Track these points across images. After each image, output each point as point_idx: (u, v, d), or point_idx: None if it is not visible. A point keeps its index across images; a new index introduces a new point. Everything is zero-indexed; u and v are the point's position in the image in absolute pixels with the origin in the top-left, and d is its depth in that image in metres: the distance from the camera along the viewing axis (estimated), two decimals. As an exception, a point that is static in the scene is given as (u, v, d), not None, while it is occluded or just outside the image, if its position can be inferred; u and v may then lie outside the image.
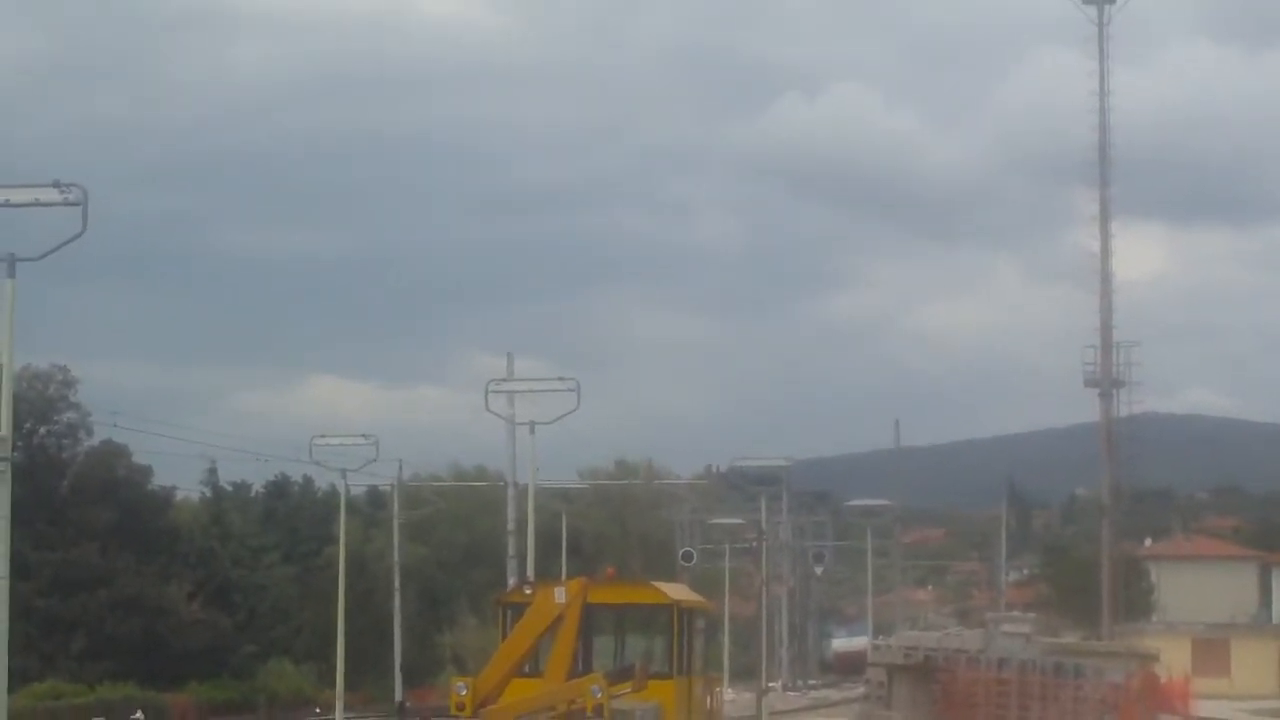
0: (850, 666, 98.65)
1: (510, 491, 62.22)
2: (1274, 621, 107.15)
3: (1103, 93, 66.30)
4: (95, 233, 26.89)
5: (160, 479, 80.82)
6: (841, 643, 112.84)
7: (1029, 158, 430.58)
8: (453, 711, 30.41)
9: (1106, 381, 65.77)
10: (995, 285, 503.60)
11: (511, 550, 60.96)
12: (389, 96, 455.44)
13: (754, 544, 75.41)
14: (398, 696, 70.00)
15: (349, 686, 64.83)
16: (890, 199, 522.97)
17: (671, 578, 55.45)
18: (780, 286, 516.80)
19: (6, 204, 27.23)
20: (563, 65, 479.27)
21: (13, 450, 28.09)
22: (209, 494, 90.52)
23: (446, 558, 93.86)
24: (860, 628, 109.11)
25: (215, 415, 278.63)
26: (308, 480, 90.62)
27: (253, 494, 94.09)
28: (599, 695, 29.65)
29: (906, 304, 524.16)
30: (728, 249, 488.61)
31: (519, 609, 32.33)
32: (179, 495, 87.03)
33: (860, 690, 58.47)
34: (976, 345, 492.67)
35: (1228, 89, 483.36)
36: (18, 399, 35.12)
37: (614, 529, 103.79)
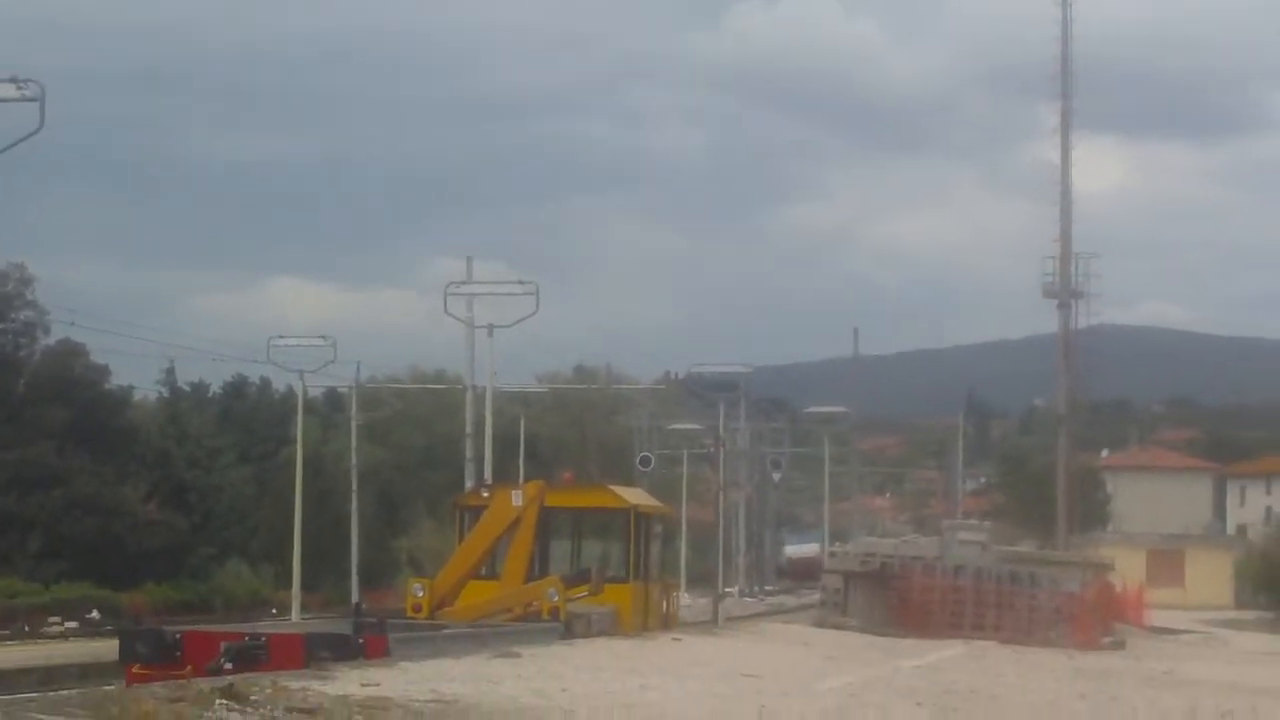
0: (803, 572, 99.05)
1: (469, 395, 62.06)
2: (1228, 533, 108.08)
3: (1065, 3, 65.94)
4: (56, 132, 26.67)
5: (117, 379, 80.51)
6: (794, 549, 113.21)
7: (991, 69, 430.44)
8: (409, 613, 30.41)
9: (1065, 292, 65.73)
10: (956, 196, 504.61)
11: (469, 453, 60.82)
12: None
13: (712, 450, 75.39)
14: (354, 598, 69.97)
15: (305, 588, 64.84)
16: (850, 109, 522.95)
17: (629, 483, 55.40)
18: (741, 196, 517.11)
19: (-39, 99, 26.91)
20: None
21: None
22: (166, 394, 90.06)
23: (404, 460, 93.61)
24: (816, 535, 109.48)
25: (174, 316, 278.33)
26: (265, 381, 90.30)
27: (210, 395, 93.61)
28: (555, 598, 29.73)
29: (866, 214, 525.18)
30: (689, 158, 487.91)
31: (476, 512, 32.32)
32: (136, 395, 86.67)
33: (817, 596, 58.69)
34: (936, 256, 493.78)
35: (1192, 3, 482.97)
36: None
37: (572, 434, 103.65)
